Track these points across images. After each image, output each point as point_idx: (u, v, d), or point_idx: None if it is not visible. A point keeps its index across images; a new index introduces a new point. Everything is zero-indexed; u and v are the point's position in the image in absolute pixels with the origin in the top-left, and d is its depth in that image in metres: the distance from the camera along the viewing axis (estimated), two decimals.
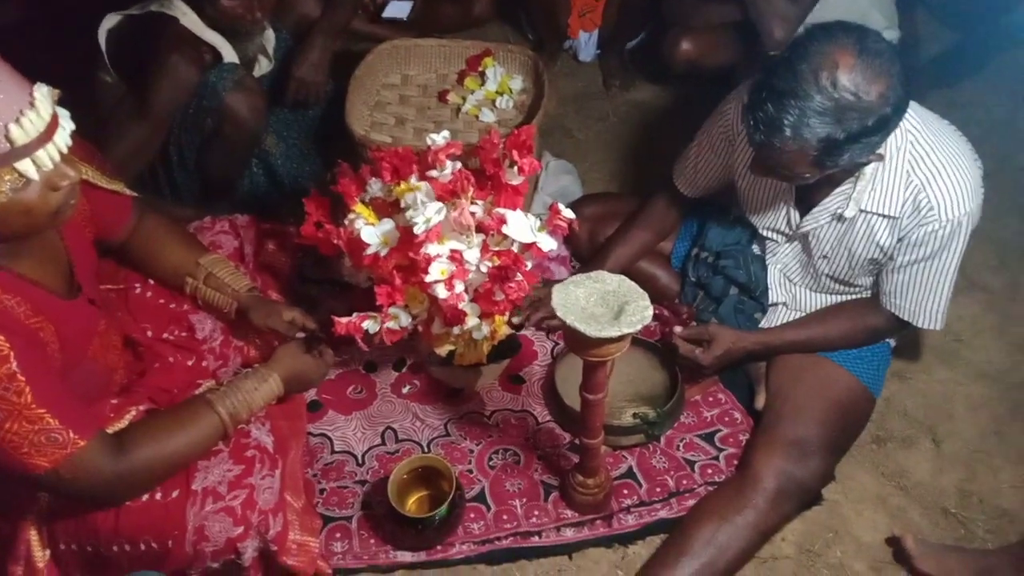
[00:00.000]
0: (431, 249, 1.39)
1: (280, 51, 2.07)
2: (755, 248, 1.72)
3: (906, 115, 1.32)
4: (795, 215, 1.57)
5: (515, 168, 1.48)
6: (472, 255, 1.43)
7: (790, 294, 1.70)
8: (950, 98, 2.47)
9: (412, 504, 1.54)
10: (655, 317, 1.81)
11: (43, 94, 1.02)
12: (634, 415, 1.66)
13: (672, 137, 1.87)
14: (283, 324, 1.47)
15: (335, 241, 1.51)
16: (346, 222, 1.51)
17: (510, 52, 2.18)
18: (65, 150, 1.03)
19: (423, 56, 2.20)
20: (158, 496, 1.23)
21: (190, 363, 1.45)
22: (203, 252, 1.51)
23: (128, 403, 1.32)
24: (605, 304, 1.25)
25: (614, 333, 1.19)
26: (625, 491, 1.60)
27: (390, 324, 1.46)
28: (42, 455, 1.07)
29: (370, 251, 1.45)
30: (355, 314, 1.46)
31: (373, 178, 1.55)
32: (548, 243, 1.46)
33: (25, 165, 1.00)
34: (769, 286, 1.70)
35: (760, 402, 1.67)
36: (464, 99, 2.10)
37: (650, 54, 2.64)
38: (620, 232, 1.82)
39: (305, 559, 1.32)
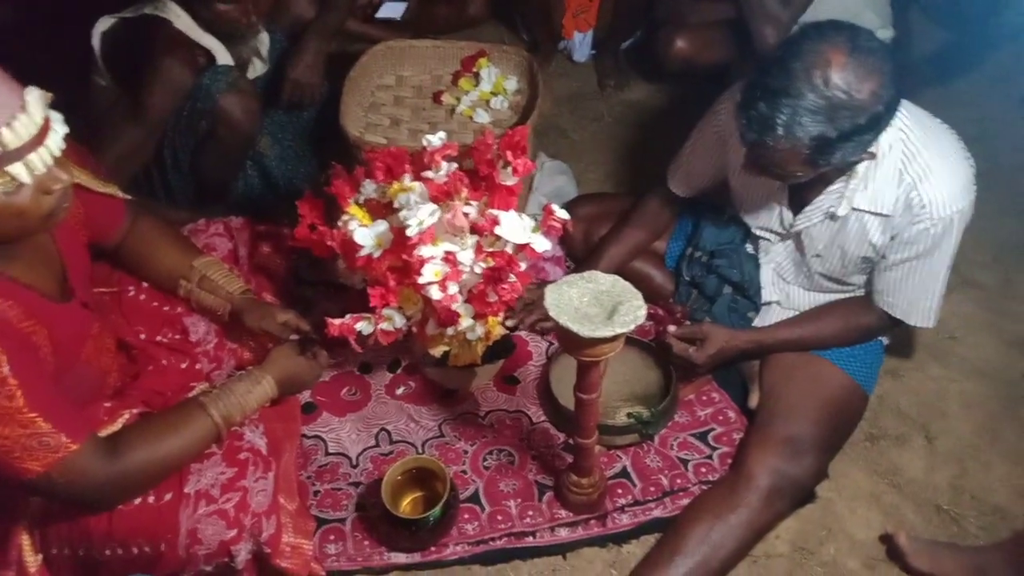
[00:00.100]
0: (425, 251, 1.40)
1: (274, 53, 2.07)
2: (749, 247, 1.73)
3: (898, 113, 1.33)
4: (788, 214, 1.57)
5: (509, 169, 1.48)
6: (466, 256, 1.44)
7: (783, 293, 1.70)
8: (944, 96, 2.47)
9: (406, 505, 1.54)
10: (649, 316, 1.82)
11: (35, 98, 1.02)
12: (628, 414, 1.67)
13: (667, 137, 1.87)
14: (277, 326, 1.47)
15: (329, 243, 1.52)
16: (340, 224, 1.51)
17: (505, 53, 2.18)
18: (58, 153, 1.03)
19: (418, 57, 2.20)
20: (151, 499, 1.23)
21: (184, 366, 1.45)
22: (197, 255, 1.51)
23: (121, 406, 1.32)
24: (599, 304, 1.25)
25: (607, 333, 1.19)
26: (619, 490, 1.60)
27: (384, 325, 1.47)
28: (34, 459, 1.07)
29: (363, 253, 1.45)
30: (349, 315, 1.47)
31: (367, 179, 1.55)
32: (542, 244, 1.47)
33: (17, 169, 0.99)
34: (762, 285, 1.70)
35: (754, 401, 1.68)
36: (459, 100, 2.10)
37: (645, 54, 2.65)
38: (614, 232, 1.83)
39: (299, 561, 1.32)
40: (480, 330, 1.49)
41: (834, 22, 1.26)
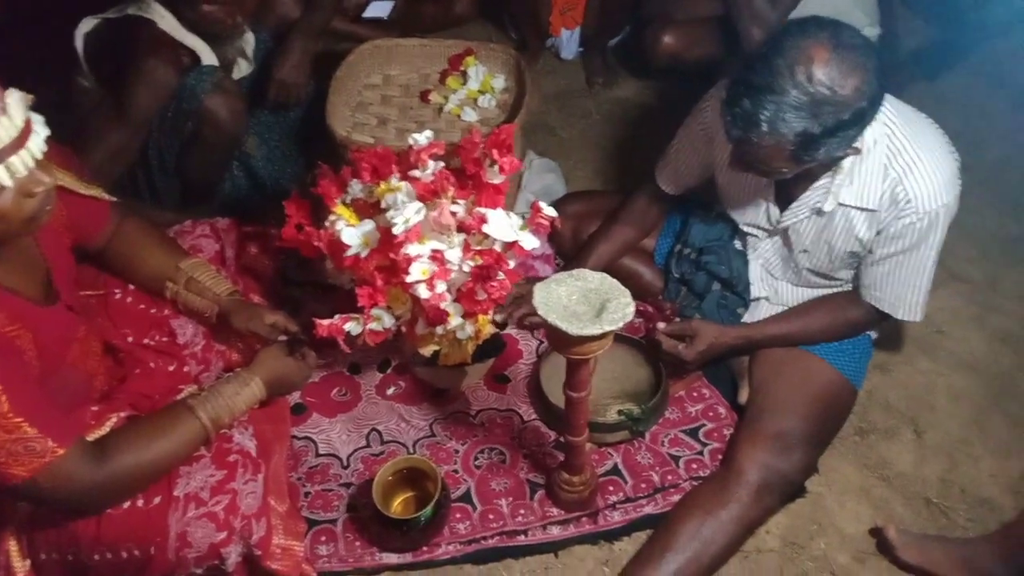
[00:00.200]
0: (412, 249, 1.39)
1: (260, 53, 2.06)
2: (737, 244, 1.73)
3: (882, 108, 1.33)
4: (775, 210, 1.58)
5: (496, 167, 1.48)
6: (454, 255, 1.43)
7: (772, 288, 1.71)
8: (930, 92, 2.49)
9: (398, 506, 1.54)
10: (639, 314, 1.83)
11: (16, 100, 1.01)
12: (619, 412, 1.67)
13: (655, 134, 1.87)
14: (265, 327, 1.47)
15: (316, 243, 1.51)
16: (327, 224, 1.51)
17: (492, 51, 2.18)
18: (39, 156, 1.03)
19: (405, 56, 2.19)
20: (140, 503, 1.22)
21: (171, 368, 1.45)
22: (183, 256, 1.50)
23: (109, 410, 1.31)
24: (587, 302, 1.25)
25: (596, 331, 1.19)
26: (611, 488, 1.60)
27: (373, 325, 1.46)
28: (20, 464, 1.06)
29: (351, 252, 1.45)
30: (337, 316, 1.46)
31: (354, 179, 1.55)
32: (530, 242, 1.47)
33: None
34: (751, 281, 1.70)
35: (743, 396, 1.68)
36: (446, 99, 2.09)
37: (633, 51, 2.65)
38: (602, 229, 1.83)
39: (290, 563, 1.32)
40: (470, 329, 1.49)
41: (817, 18, 1.26)
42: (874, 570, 1.50)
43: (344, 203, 1.53)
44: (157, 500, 1.23)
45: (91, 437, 1.21)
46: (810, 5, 2.01)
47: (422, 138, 1.49)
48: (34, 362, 1.14)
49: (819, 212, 1.50)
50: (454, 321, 1.46)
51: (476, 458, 1.66)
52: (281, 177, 2.10)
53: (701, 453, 1.66)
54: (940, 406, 1.78)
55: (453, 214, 1.45)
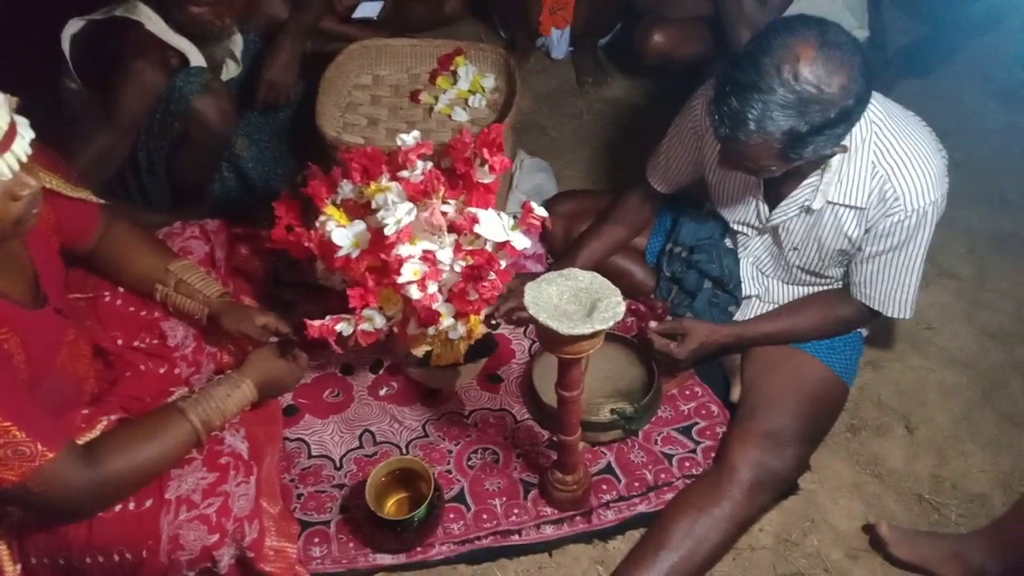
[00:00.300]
0: (403, 250, 1.39)
1: (248, 54, 2.06)
2: (728, 242, 1.73)
3: (870, 106, 1.34)
4: (764, 208, 1.58)
5: (486, 167, 1.48)
6: (445, 255, 1.43)
7: (763, 286, 1.71)
8: (919, 89, 2.50)
9: (391, 506, 1.54)
10: (631, 312, 1.83)
11: None
12: (612, 411, 1.67)
13: (646, 133, 1.88)
14: (256, 329, 1.46)
15: (306, 244, 1.51)
16: (317, 225, 1.50)
17: (482, 51, 2.18)
18: (24, 159, 1.02)
19: (394, 56, 2.19)
20: (131, 506, 1.22)
21: (162, 371, 1.44)
22: (173, 258, 1.50)
23: (99, 413, 1.31)
24: (577, 301, 1.25)
25: (587, 330, 1.19)
26: (604, 487, 1.60)
27: (364, 326, 1.46)
28: (9, 469, 1.05)
29: (342, 253, 1.45)
30: (328, 317, 1.46)
31: (344, 180, 1.54)
32: (521, 241, 1.47)
33: None
34: (742, 279, 1.71)
35: (735, 394, 1.69)
36: (436, 98, 2.09)
37: (623, 50, 2.65)
38: (593, 228, 1.83)
39: (283, 565, 1.31)
40: (462, 329, 1.49)
41: (803, 17, 1.27)
42: (867, 566, 1.51)
43: (334, 204, 1.53)
44: (149, 503, 1.22)
45: (81, 440, 1.20)
46: (799, 8, 2.01)
47: (410, 138, 1.49)
48: (23, 366, 1.14)
49: (808, 210, 1.50)
50: (446, 321, 1.46)
51: (469, 458, 1.66)
52: (271, 178, 2.10)
53: (694, 451, 1.66)
54: (931, 402, 1.78)
55: (444, 214, 1.45)
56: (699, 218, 1.76)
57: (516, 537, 1.53)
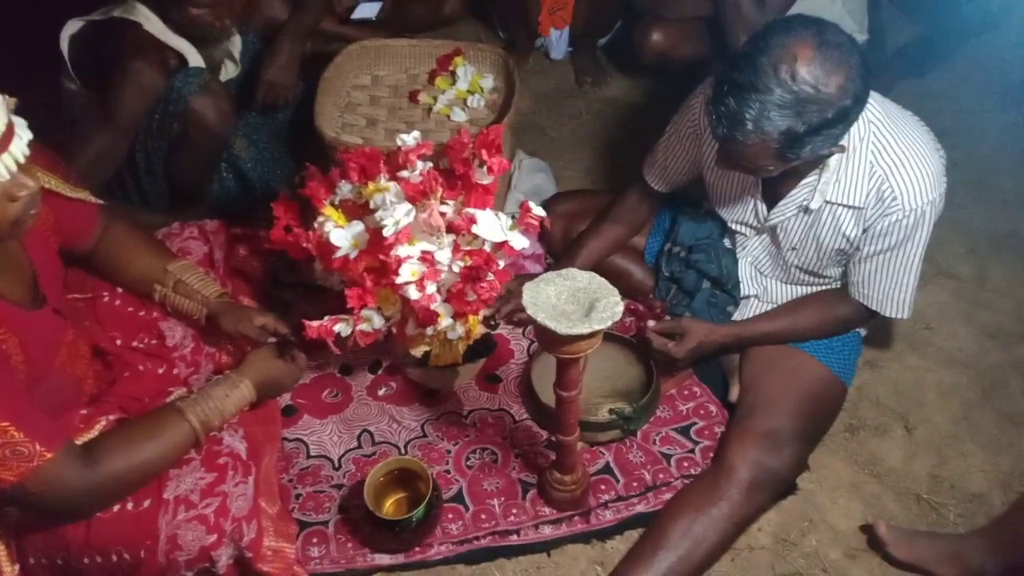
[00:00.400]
0: (401, 251, 1.39)
1: (248, 55, 2.06)
2: (726, 242, 1.74)
3: (868, 106, 1.34)
4: (762, 208, 1.58)
5: (485, 167, 1.48)
6: (443, 256, 1.43)
7: (761, 286, 1.71)
8: (918, 89, 2.51)
9: (390, 506, 1.54)
10: (629, 312, 1.83)
11: None
12: (610, 411, 1.67)
13: (645, 133, 1.88)
14: (254, 329, 1.46)
15: (305, 245, 1.51)
16: (315, 225, 1.51)
17: (481, 51, 2.18)
18: (22, 160, 1.02)
19: (393, 56, 2.19)
20: (129, 506, 1.22)
21: (161, 371, 1.44)
22: (171, 259, 1.50)
23: (98, 413, 1.31)
24: (576, 301, 1.25)
25: (585, 330, 1.19)
26: (602, 487, 1.60)
27: (363, 327, 1.46)
28: (7, 469, 1.05)
29: (340, 254, 1.45)
30: (327, 317, 1.46)
31: (342, 180, 1.54)
32: (520, 242, 1.47)
33: None
34: (740, 279, 1.71)
35: (734, 394, 1.69)
36: (435, 99, 2.09)
37: (622, 50, 2.65)
38: (592, 227, 1.83)
39: (281, 565, 1.32)
40: (460, 329, 1.49)
41: (801, 17, 1.27)
42: (865, 566, 1.51)
43: (333, 204, 1.53)
44: (147, 503, 1.22)
45: (80, 441, 1.20)
46: (798, 11, 2.01)
47: (410, 139, 1.49)
48: (21, 367, 1.14)
49: (806, 209, 1.50)
50: (444, 322, 1.47)
51: (468, 458, 1.66)
52: (270, 179, 2.10)
53: (692, 451, 1.66)
54: (929, 402, 1.78)
55: (442, 215, 1.45)
56: (698, 218, 1.76)
57: (514, 537, 1.53)
